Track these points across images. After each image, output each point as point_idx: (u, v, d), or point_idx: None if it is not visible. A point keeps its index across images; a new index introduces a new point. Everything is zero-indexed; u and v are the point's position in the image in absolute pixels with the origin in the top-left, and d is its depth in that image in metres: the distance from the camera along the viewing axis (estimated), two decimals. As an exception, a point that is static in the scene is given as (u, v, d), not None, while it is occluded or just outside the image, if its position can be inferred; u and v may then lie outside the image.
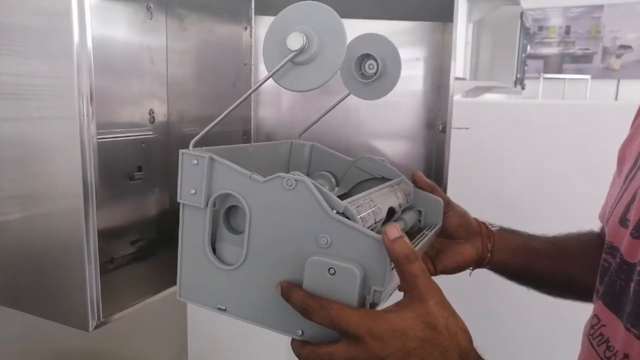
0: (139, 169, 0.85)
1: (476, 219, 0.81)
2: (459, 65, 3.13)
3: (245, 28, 0.96)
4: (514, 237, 0.83)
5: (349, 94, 0.78)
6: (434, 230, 0.71)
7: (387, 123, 1.02)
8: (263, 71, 0.87)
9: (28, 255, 0.64)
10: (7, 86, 0.61)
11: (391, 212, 0.65)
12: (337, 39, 0.54)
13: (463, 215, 0.78)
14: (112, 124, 0.78)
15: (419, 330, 0.49)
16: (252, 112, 1.04)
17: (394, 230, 0.51)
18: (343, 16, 0.92)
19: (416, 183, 0.75)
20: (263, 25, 0.98)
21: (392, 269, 0.52)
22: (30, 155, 0.61)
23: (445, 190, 0.91)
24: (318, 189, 0.53)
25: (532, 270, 0.82)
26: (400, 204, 0.67)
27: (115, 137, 0.79)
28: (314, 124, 0.80)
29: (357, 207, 0.56)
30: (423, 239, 0.66)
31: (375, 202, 0.60)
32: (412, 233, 0.70)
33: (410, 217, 0.70)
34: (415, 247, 0.61)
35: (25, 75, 0.60)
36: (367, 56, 0.75)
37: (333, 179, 0.77)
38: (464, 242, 0.78)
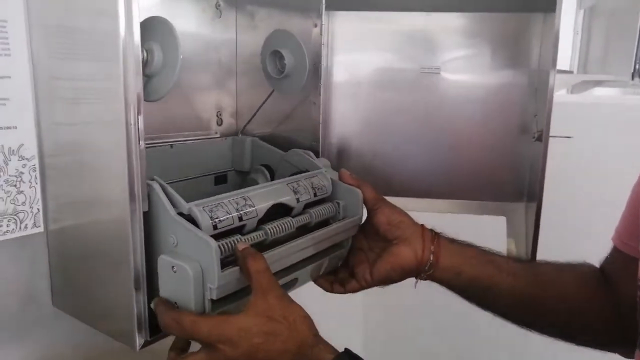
0: (224, 178, 0.71)
1: (422, 225, 0.59)
2: (566, 57, 2.46)
3: (315, 25, 0.72)
4: (469, 247, 0.59)
5: (273, 91, 0.66)
6: (344, 222, 0.57)
7: (472, 127, 0.75)
8: (337, 72, 0.73)
9: (81, 262, 0.53)
10: (64, 90, 0.50)
11: (287, 208, 0.54)
12: (172, 50, 0.47)
13: (395, 212, 0.59)
14: (178, 128, 0.67)
15: (262, 325, 0.44)
16: (320, 116, 0.79)
17: (241, 244, 0.46)
18: (430, 9, 0.73)
19: (341, 179, 0.60)
20: (335, 21, 0.74)
21: (228, 268, 0.45)
22: (84, 161, 0.50)
23: (539, 210, 0.66)
24: (165, 191, 0.46)
25: (491, 286, 0.56)
26: (298, 198, 0.55)
27: (182, 141, 0.66)
28: (251, 119, 0.70)
29: (213, 207, 0.47)
30: (322, 230, 0.55)
31: (250, 200, 0.48)
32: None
33: (320, 210, 0.57)
34: (310, 235, 0.53)
35: (79, 79, 0.48)
36: (277, 53, 0.63)
37: (267, 173, 0.66)
38: (399, 243, 0.57)
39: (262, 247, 0.49)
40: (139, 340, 0.47)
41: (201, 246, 0.43)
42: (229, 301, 0.46)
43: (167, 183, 0.46)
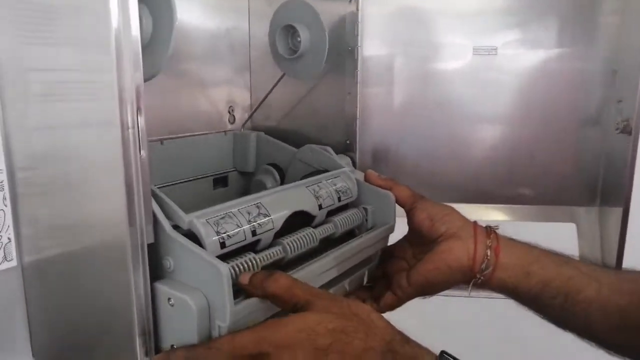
0: (224, 180, 0.60)
1: (474, 222, 0.48)
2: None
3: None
4: (535, 246, 0.47)
5: (284, 75, 0.56)
6: (375, 232, 0.47)
7: (534, 118, 0.62)
8: (371, 54, 0.62)
9: (67, 306, 0.42)
10: (38, 85, 0.39)
11: (307, 216, 0.44)
12: (165, 15, 0.37)
13: (438, 206, 0.48)
14: (184, 129, 0.57)
15: (329, 322, 0.34)
16: (357, 109, 0.61)
17: (244, 275, 0.36)
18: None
19: (369, 182, 0.50)
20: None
21: (241, 299, 0.35)
22: (69, 176, 0.39)
23: (626, 215, 0.54)
24: (159, 200, 0.36)
25: (572, 292, 0.44)
26: (321, 205, 0.45)
27: (173, 138, 0.56)
28: (255, 110, 0.61)
29: (220, 218, 0.37)
30: (344, 247, 0.44)
31: (264, 208, 0.38)
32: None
33: (346, 219, 0.47)
34: (336, 252, 0.43)
35: (58, 70, 0.37)
36: (290, 28, 0.53)
37: (277, 174, 0.56)
38: (446, 239, 0.46)
39: (278, 267, 0.40)
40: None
41: (207, 271, 0.33)
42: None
43: (155, 187, 0.36)
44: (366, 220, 0.49)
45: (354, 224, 0.48)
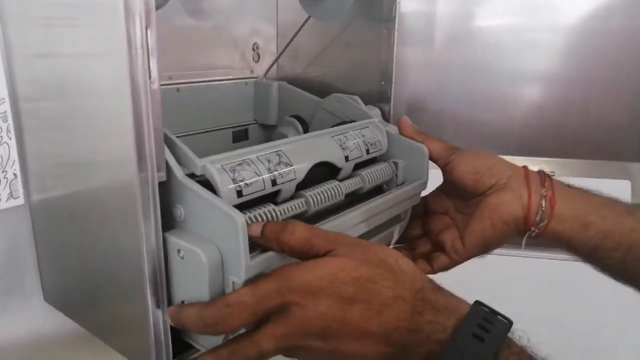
0: (244, 133, 0.58)
1: (525, 167, 0.45)
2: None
3: None
4: (595, 194, 0.44)
5: (309, 17, 0.52)
6: (407, 187, 0.43)
7: (588, 64, 0.58)
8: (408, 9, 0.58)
9: (78, 247, 0.39)
10: (40, 8, 0.35)
11: (333, 168, 0.40)
12: None
13: (481, 156, 0.44)
14: (204, 73, 0.54)
15: (352, 270, 0.31)
16: (394, 46, 0.55)
17: (254, 226, 0.32)
18: None
19: (401, 131, 0.46)
20: None
21: (257, 253, 0.32)
22: (75, 107, 0.35)
23: None
24: (171, 144, 0.32)
25: (635, 245, 0.41)
26: (347, 156, 0.41)
27: (192, 83, 0.52)
28: (280, 55, 0.57)
29: (237, 165, 0.34)
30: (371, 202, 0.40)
31: (286, 157, 0.35)
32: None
33: (375, 173, 0.43)
34: (364, 207, 0.39)
35: None
36: None
37: (300, 126, 0.52)
38: (496, 191, 0.42)
39: (301, 220, 0.37)
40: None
41: (220, 221, 0.30)
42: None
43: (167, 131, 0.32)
44: (396, 175, 0.45)
45: (384, 179, 0.44)
